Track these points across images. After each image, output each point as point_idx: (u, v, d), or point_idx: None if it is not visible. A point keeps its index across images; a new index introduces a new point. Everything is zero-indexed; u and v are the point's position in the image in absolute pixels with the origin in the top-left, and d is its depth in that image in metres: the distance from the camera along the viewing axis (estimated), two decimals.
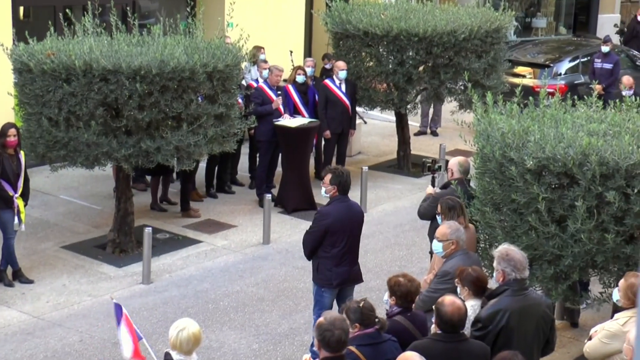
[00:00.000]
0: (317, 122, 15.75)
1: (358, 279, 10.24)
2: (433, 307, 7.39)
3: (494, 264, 7.79)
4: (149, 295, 11.91)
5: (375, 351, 7.16)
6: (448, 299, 7.17)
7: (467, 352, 7.13)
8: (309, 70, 16.69)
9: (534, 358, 7.70)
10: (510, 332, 7.47)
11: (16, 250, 12.14)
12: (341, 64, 16.21)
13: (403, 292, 7.72)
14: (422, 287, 8.58)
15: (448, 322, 7.06)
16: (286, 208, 15.09)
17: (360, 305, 7.23)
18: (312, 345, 10.16)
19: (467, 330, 7.44)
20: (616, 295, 8.12)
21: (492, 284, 8.52)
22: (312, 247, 9.91)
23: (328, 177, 9.86)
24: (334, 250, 9.83)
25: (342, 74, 16.10)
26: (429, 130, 20.23)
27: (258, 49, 16.72)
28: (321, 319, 6.75)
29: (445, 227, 8.82)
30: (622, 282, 8.00)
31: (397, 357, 6.89)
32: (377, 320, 7.20)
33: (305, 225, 14.49)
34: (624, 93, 14.90)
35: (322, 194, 10.05)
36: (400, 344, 7.31)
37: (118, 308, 8.48)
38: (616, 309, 9.06)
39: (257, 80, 15.89)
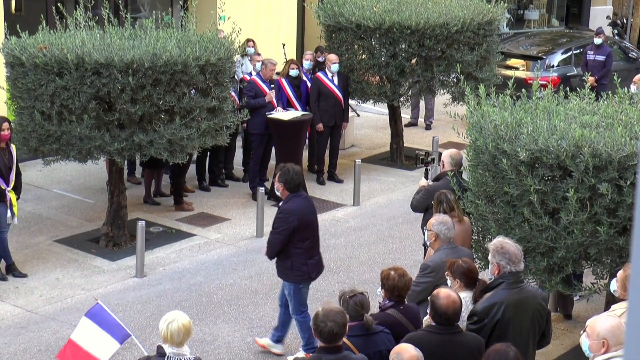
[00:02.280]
0: (310, 115, 15.75)
1: (323, 266, 10.40)
2: (428, 299, 7.40)
3: (489, 257, 7.79)
4: (143, 289, 11.91)
5: (366, 342, 7.19)
6: (443, 292, 7.18)
7: (462, 344, 7.15)
8: (307, 63, 16.68)
9: (530, 351, 7.72)
10: (506, 325, 7.48)
11: (9, 244, 12.13)
12: (333, 57, 16.21)
13: (390, 285, 7.75)
14: None
15: (443, 315, 7.08)
16: (279, 201, 15.07)
17: (349, 297, 7.27)
18: (304, 344, 10.18)
19: (462, 323, 7.45)
20: (614, 285, 8.13)
21: (487, 276, 8.54)
22: (281, 246, 9.90)
23: (277, 175, 9.96)
24: (305, 244, 9.91)
25: (335, 67, 16.10)
26: (422, 122, 20.23)
27: (248, 42, 16.72)
28: (319, 309, 6.79)
29: (434, 218, 8.91)
30: (620, 273, 8.02)
31: (389, 348, 6.92)
32: (363, 316, 7.23)
33: None
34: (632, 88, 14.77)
35: (275, 191, 10.12)
36: (394, 337, 7.32)
37: (98, 310, 8.52)
38: (610, 300, 9.09)
39: (250, 74, 15.89)
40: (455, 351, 7.12)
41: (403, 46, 16.29)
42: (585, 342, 6.66)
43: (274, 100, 15.33)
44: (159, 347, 7.12)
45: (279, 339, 10.37)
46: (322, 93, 16.11)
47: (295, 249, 9.88)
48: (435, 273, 8.50)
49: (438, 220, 8.79)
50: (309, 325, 9.99)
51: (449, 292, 7.23)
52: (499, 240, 7.80)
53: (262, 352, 10.41)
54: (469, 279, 7.94)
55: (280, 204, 10.19)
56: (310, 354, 9.86)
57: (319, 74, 16.26)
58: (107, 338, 8.46)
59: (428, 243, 8.97)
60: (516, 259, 7.63)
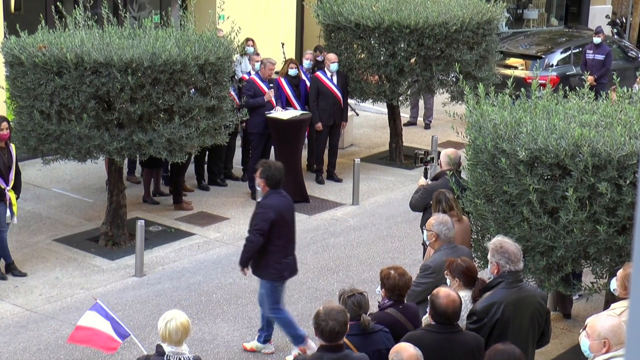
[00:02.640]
0: (309, 114, 15.75)
1: (297, 268, 10.38)
2: (428, 298, 7.40)
3: (488, 257, 7.79)
4: (142, 288, 11.91)
5: (365, 341, 7.20)
6: (443, 291, 7.18)
7: (461, 343, 7.15)
8: (307, 63, 16.68)
9: (529, 350, 7.71)
10: (505, 325, 7.48)
11: (9, 244, 12.13)
12: (332, 56, 16.21)
13: (391, 284, 7.74)
14: None
15: (442, 314, 7.08)
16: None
17: (348, 297, 7.27)
18: (293, 341, 10.17)
19: (462, 322, 7.45)
20: (613, 284, 8.13)
21: (486, 275, 8.55)
22: (258, 248, 9.84)
23: (258, 171, 9.95)
24: (281, 242, 9.90)
25: (334, 66, 16.10)
26: (421, 122, 20.24)
27: (246, 41, 16.72)
28: (319, 308, 6.80)
29: (433, 218, 8.90)
30: (620, 272, 8.02)
31: (388, 347, 6.93)
32: (360, 317, 7.23)
33: (298, 217, 14.47)
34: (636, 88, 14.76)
35: (257, 187, 10.12)
36: (393, 336, 7.33)
37: (98, 308, 8.56)
38: (609, 299, 9.09)
39: (249, 73, 15.89)
40: (454, 350, 7.12)
41: (402, 45, 16.29)
42: (585, 342, 6.65)
43: (273, 99, 15.33)
44: (158, 346, 7.14)
45: (266, 339, 10.37)
46: (321, 92, 16.11)
47: (272, 246, 9.88)
48: (436, 274, 8.49)
49: (438, 220, 8.79)
50: (288, 320, 10.03)
51: (448, 291, 7.23)
52: (499, 240, 7.79)
53: (262, 352, 10.40)
54: (468, 278, 7.94)
55: (258, 199, 10.16)
56: (303, 347, 9.91)
57: (318, 73, 16.26)
58: (112, 331, 8.51)
59: (428, 243, 8.97)
60: (515, 258, 7.63)
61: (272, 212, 9.80)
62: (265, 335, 10.37)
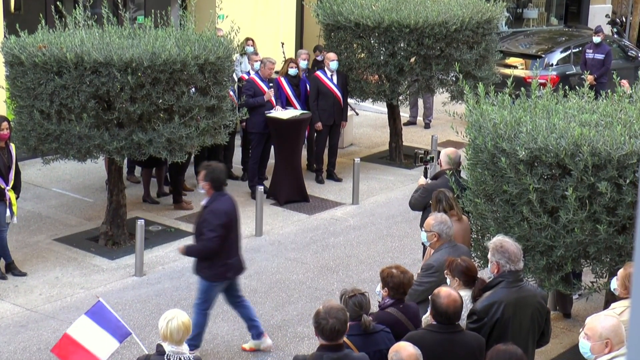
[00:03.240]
0: (309, 114, 15.75)
1: (243, 267, 10.34)
2: (429, 298, 7.40)
3: (489, 256, 7.79)
4: (142, 288, 11.91)
5: (365, 341, 7.19)
6: (444, 291, 7.19)
7: (462, 343, 7.15)
8: (303, 63, 16.68)
9: (529, 349, 7.71)
10: (505, 324, 7.49)
11: (9, 243, 12.14)
12: (332, 55, 16.21)
13: (395, 283, 7.73)
14: None
15: (443, 314, 7.08)
16: (278, 200, 15.11)
17: (349, 297, 7.27)
18: (189, 339, 10.10)
19: (462, 322, 7.45)
20: (614, 284, 8.13)
21: (486, 275, 8.55)
22: (219, 243, 9.79)
23: (202, 174, 9.90)
24: (226, 243, 9.87)
25: (334, 66, 16.10)
26: (421, 121, 20.24)
27: (246, 41, 16.72)
28: (320, 307, 6.80)
29: (431, 218, 8.89)
30: (621, 271, 8.02)
31: (389, 347, 6.93)
32: (361, 317, 7.22)
33: (298, 217, 14.58)
34: None
35: (198, 190, 10.09)
36: (393, 336, 7.33)
37: (99, 308, 8.55)
38: (609, 299, 9.09)
39: (248, 73, 15.88)
40: (455, 350, 7.13)
41: (402, 45, 16.29)
42: (585, 344, 6.63)
43: (273, 99, 15.33)
44: (159, 346, 7.14)
45: (259, 333, 10.35)
46: (321, 92, 16.10)
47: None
48: (439, 273, 8.48)
49: (438, 220, 8.78)
50: (200, 322, 9.96)
51: (449, 291, 7.23)
52: (499, 239, 7.79)
53: (262, 351, 10.40)
54: (468, 278, 7.94)
55: (203, 202, 10.10)
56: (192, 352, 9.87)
57: (318, 72, 16.26)
58: (107, 337, 8.46)
59: (428, 244, 8.96)
60: (515, 258, 7.63)
61: (223, 214, 9.76)
62: (256, 332, 10.34)
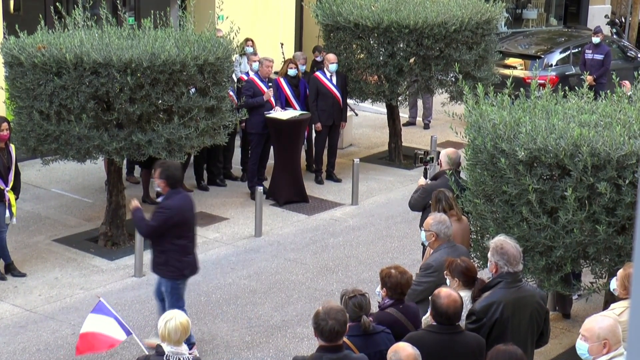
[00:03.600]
0: (308, 114, 15.75)
1: (198, 267, 10.37)
2: (429, 298, 7.40)
3: (488, 255, 7.80)
4: (141, 288, 11.91)
5: (366, 342, 7.19)
6: (444, 291, 7.19)
7: (462, 343, 7.15)
8: (301, 67, 16.66)
9: (528, 350, 7.71)
10: (504, 324, 7.49)
11: (8, 244, 12.13)
12: (332, 56, 16.21)
13: (393, 283, 7.73)
14: None
15: (443, 315, 7.08)
16: (278, 200, 15.11)
17: (349, 298, 7.27)
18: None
19: (462, 322, 7.45)
20: (613, 284, 8.13)
21: (486, 275, 8.55)
22: (150, 234, 9.89)
23: (157, 171, 9.90)
24: (181, 241, 9.89)
25: (333, 67, 16.10)
26: (420, 122, 20.25)
27: (246, 41, 16.72)
28: (319, 308, 6.80)
29: (430, 218, 8.90)
30: (620, 271, 8.02)
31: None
32: (361, 318, 7.22)
33: (297, 217, 14.59)
34: None
35: (155, 188, 10.08)
36: (393, 336, 7.32)
37: (101, 306, 8.58)
38: (609, 299, 9.09)
39: (247, 73, 15.88)
40: (455, 351, 7.13)
41: (401, 45, 16.30)
42: (583, 345, 6.62)
43: (272, 99, 15.33)
44: (158, 346, 7.15)
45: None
46: (320, 92, 16.11)
47: (171, 245, 9.86)
48: (438, 272, 8.49)
49: (436, 219, 8.79)
50: None
51: (449, 291, 7.23)
52: (500, 240, 7.77)
53: (261, 351, 10.41)
54: (468, 278, 7.94)
55: (159, 199, 10.10)
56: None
57: (318, 73, 16.26)
58: (116, 325, 8.52)
59: (427, 243, 8.97)
60: (514, 261, 7.61)
61: (174, 214, 9.75)
62: None
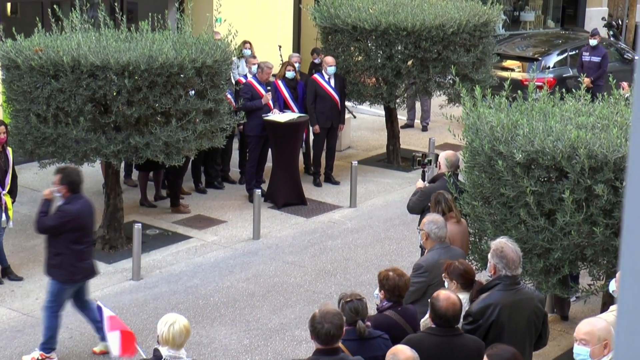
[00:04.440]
0: (307, 117, 15.75)
1: (96, 271, 10.36)
2: (428, 301, 7.39)
3: (489, 255, 7.79)
4: (139, 292, 11.89)
5: (361, 346, 7.16)
6: (443, 294, 7.18)
7: (461, 346, 7.14)
8: (296, 65, 16.67)
9: (526, 352, 7.70)
10: (501, 327, 7.48)
11: (5, 248, 12.12)
12: (330, 59, 16.20)
13: (391, 286, 7.72)
14: None
15: (442, 317, 7.07)
16: (276, 203, 15.10)
17: (346, 302, 7.26)
18: (43, 342, 10.08)
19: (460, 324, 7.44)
20: (612, 286, 8.12)
21: (484, 277, 8.54)
22: (45, 234, 9.92)
23: (58, 177, 9.93)
24: (79, 247, 9.87)
25: (331, 70, 16.09)
26: (418, 124, 20.24)
27: (244, 44, 16.71)
28: (315, 311, 6.79)
29: (426, 217, 8.90)
30: (619, 273, 8.00)
31: (386, 354, 6.94)
32: (357, 323, 7.20)
33: (296, 220, 14.58)
34: None
35: (55, 194, 10.08)
36: (391, 338, 7.30)
37: (99, 310, 8.60)
38: (607, 301, 9.09)
39: (245, 76, 15.88)
40: (454, 353, 7.12)
41: (399, 48, 16.29)
42: (584, 350, 6.59)
43: (271, 102, 15.33)
44: (156, 350, 7.11)
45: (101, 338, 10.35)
46: (318, 95, 16.10)
47: (67, 249, 9.84)
48: (428, 273, 8.49)
49: (429, 219, 8.79)
50: (55, 326, 9.98)
51: (448, 294, 7.22)
52: (501, 242, 7.74)
53: (260, 354, 10.40)
54: (466, 280, 7.93)
55: (59, 203, 10.10)
56: (45, 354, 9.89)
57: (316, 75, 16.26)
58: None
59: (421, 242, 8.98)
60: (513, 265, 7.59)
61: (71, 219, 9.76)
62: (102, 334, 10.26)
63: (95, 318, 10.19)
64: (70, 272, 9.90)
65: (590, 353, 6.57)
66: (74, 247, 9.84)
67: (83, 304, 10.28)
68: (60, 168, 10.30)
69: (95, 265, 10.34)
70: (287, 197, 15.16)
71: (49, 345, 9.99)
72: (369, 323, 7.35)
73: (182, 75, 12.26)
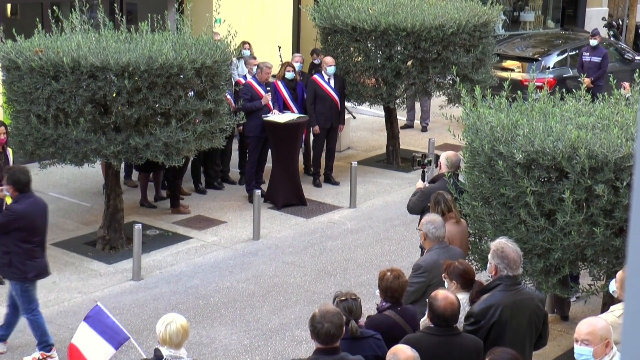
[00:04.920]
0: (306, 117, 15.75)
1: (48, 271, 10.32)
2: (427, 300, 7.39)
3: (489, 256, 7.79)
4: (139, 292, 11.90)
5: (352, 346, 7.15)
6: (441, 294, 7.18)
7: (460, 345, 7.15)
8: (297, 65, 16.69)
9: (527, 352, 7.71)
10: (502, 327, 7.48)
11: None
12: (329, 59, 16.20)
13: (383, 286, 7.73)
14: None
15: (441, 317, 7.08)
16: (276, 204, 15.10)
17: (340, 301, 7.26)
18: (38, 343, 10.09)
19: (460, 324, 7.44)
20: (613, 286, 8.12)
21: (483, 278, 8.55)
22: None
23: (5, 177, 9.96)
24: (26, 245, 9.86)
25: (331, 70, 16.09)
26: (418, 124, 20.24)
27: (243, 44, 16.71)
28: (315, 311, 6.80)
29: (424, 218, 8.91)
30: (620, 273, 8.01)
31: (377, 354, 6.97)
32: (349, 322, 7.19)
33: (296, 220, 14.58)
34: None
35: (5, 192, 10.09)
36: (391, 338, 7.29)
37: (98, 311, 8.57)
38: (607, 301, 9.08)
39: (245, 77, 15.88)
40: (453, 353, 7.12)
41: (399, 48, 16.29)
42: (586, 351, 6.59)
43: (270, 103, 15.33)
44: (156, 350, 7.12)
45: (2, 338, 10.34)
46: (318, 95, 16.11)
47: (15, 247, 9.84)
48: (428, 273, 8.49)
49: (427, 219, 8.80)
50: (40, 323, 10.02)
51: (447, 293, 7.23)
52: (501, 243, 7.74)
53: (260, 354, 10.40)
54: (466, 281, 7.93)
55: (10, 203, 10.13)
56: (46, 353, 9.91)
57: (315, 76, 16.26)
58: (103, 344, 8.48)
59: (420, 242, 8.99)
60: (514, 265, 7.60)
61: (18, 218, 9.75)
62: (1, 335, 10.35)
63: (10, 321, 10.26)
64: (20, 271, 9.90)
65: (593, 353, 6.58)
66: (22, 245, 9.84)
67: (14, 302, 10.22)
68: (7, 168, 10.34)
69: (48, 265, 10.22)
70: (287, 197, 15.16)
71: (44, 343, 10.01)
72: (362, 323, 7.36)
73: (181, 76, 12.27)
